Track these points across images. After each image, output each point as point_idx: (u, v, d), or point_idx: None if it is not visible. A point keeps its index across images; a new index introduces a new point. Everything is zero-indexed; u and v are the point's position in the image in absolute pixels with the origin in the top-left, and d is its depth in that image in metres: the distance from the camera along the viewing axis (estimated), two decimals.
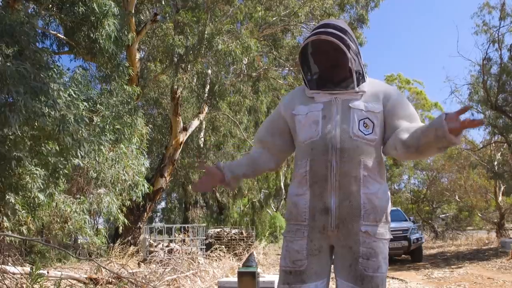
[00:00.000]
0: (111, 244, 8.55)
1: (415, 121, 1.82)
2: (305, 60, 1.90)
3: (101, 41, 6.17)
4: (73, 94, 5.21)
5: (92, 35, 6.20)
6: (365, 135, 1.75)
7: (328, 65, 1.82)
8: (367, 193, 1.73)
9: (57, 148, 5.26)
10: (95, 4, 5.95)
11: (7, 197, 5.01)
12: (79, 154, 5.26)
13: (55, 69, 5.14)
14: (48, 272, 4.75)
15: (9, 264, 4.79)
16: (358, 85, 1.80)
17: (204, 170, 1.95)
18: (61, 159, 5.36)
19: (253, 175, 2.05)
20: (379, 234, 1.74)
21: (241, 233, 11.47)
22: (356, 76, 1.80)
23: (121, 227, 7.35)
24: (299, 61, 1.92)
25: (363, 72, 1.84)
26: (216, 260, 8.07)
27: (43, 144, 5.12)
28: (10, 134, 5.12)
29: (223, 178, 1.90)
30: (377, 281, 1.71)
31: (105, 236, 7.09)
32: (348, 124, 1.75)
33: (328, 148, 1.74)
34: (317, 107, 1.80)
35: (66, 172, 5.51)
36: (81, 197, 6.34)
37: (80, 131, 5.13)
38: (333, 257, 1.81)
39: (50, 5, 6.67)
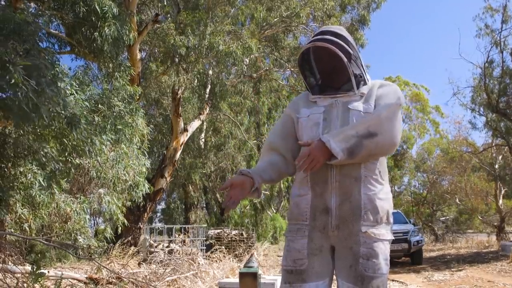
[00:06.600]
0: (111, 245, 8.53)
1: (380, 109, 1.76)
2: (307, 66, 1.94)
3: (99, 42, 6.16)
4: (75, 94, 5.20)
5: (92, 36, 6.20)
6: None
7: (327, 71, 1.87)
8: (368, 194, 1.74)
9: (58, 148, 5.25)
10: (95, 5, 5.94)
11: (8, 196, 5.01)
12: (87, 153, 5.24)
13: (57, 69, 5.13)
14: (48, 272, 4.75)
15: (10, 263, 4.78)
16: (358, 88, 1.83)
17: (227, 190, 1.75)
18: (62, 159, 5.35)
19: (278, 180, 1.95)
20: (379, 235, 1.74)
21: (241, 234, 11.44)
22: (356, 79, 1.83)
23: (120, 228, 7.33)
24: (298, 68, 1.94)
25: (364, 75, 1.86)
26: (216, 261, 8.06)
27: (44, 144, 5.10)
28: (11, 132, 5.11)
29: (253, 184, 1.77)
30: (378, 282, 1.70)
31: (111, 234, 7.08)
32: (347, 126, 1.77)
33: None
34: (319, 110, 1.84)
35: (67, 172, 5.49)
36: (82, 196, 6.33)
37: (90, 130, 5.13)
38: (334, 258, 1.80)
39: (52, 4, 6.67)
